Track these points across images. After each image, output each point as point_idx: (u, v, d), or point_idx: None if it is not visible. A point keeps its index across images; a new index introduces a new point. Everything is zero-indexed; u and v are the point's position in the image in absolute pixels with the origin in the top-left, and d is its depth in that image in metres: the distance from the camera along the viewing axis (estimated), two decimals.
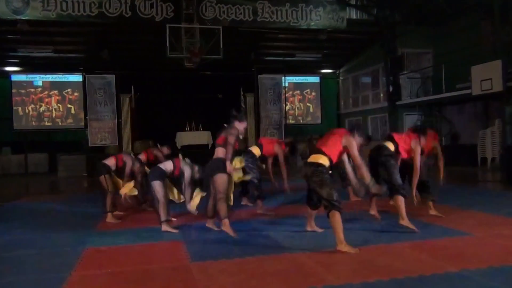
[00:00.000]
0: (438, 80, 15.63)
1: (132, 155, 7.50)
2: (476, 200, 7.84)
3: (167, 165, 6.12)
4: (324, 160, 4.72)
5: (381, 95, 18.38)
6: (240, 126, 5.53)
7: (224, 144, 5.35)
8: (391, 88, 16.43)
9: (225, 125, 5.59)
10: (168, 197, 6.14)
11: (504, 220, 6.02)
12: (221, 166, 5.30)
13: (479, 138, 14.40)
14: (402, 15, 16.37)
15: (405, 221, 5.39)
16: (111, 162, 7.00)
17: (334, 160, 4.77)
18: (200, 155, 7.38)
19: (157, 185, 5.88)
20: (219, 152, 5.41)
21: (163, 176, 5.98)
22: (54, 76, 17.90)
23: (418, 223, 5.73)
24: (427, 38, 17.06)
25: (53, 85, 17.91)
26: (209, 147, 17.06)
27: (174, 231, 5.82)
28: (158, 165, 6.25)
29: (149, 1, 13.53)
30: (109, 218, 6.74)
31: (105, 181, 6.83)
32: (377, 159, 5.72)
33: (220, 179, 5.30)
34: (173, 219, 6.42)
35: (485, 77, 12.20)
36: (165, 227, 5.85)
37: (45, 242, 5.48)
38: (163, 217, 5.89)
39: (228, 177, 5.39)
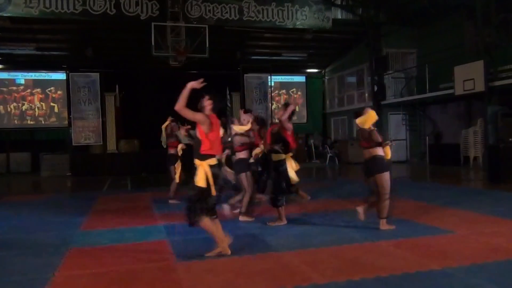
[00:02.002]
0: (422, 80, 15.81)
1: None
2: (458, 198, 7.95)
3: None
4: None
5: (366, 94, 18.50)
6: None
7: (374, 143, 5.46)
8: (375, 88, 16.56)
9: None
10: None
11: (486, 218, 6.13)
12: (382, 165, 5.47)
13: (462, 138, 14.61)
14: (387, 16, 16.54)
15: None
16: (173, 150, 7.65)
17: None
18: (185, 155, 7.32)
19: (243, 177, 6.38)
20: (374, 151, 5.49)
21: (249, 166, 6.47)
22: (37, 74, 17.65)
23: (402, 221, 5.80)
24: (411, 39, 17.25)
25: (36, 83, 17.65)
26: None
27: (250, 219, 6.31)
28: (240, 157, 6.46)
29: None
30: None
31: (174, 171, 7.63)
32: None
33: (383, 178, 5.43)
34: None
35: (468, 77, 12.38)
36: (242, 218, 6.36)
37: (28, 243, 5.40)
38: (243, 208, 6.41)
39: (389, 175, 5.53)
